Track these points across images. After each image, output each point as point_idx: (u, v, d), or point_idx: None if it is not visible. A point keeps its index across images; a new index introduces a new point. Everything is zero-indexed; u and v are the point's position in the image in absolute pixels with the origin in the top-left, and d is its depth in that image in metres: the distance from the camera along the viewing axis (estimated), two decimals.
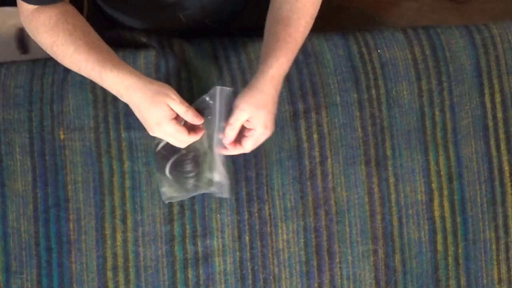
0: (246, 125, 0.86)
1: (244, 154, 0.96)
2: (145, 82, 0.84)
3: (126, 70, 0.85)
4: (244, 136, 0.87)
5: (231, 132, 0.86)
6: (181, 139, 0.87)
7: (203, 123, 0.88)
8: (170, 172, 0.93)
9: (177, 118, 0.85)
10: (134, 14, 1.04)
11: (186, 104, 0.85)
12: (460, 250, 1.00)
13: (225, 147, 0.88)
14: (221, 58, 1.01)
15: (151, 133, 0.86)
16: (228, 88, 0.89)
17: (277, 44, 0.87)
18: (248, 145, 0.87)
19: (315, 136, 0.99)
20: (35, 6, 0.87)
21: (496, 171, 1.02)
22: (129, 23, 1.07)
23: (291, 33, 0.88)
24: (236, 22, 1.09)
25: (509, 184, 1.02)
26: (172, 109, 0.84)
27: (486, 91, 1.03)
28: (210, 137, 0.90)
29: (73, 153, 0.96)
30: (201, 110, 0.88)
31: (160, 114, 0.83)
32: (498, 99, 1.03)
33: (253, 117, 0.85)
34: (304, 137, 0.99)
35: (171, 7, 1.00)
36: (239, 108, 0.85)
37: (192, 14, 1.02)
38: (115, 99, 0.98)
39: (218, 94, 0.88)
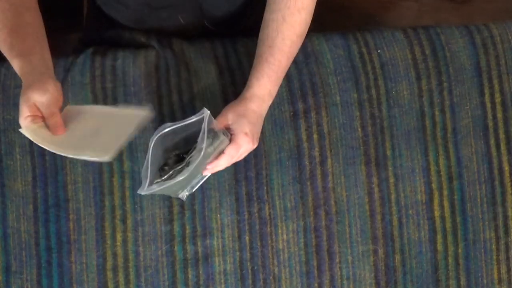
0: (232, 133, 0.88)
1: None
2: (38, 74, 0.82)
3: (28, 58, 0.83)
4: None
5: (217, 127, 0.87)
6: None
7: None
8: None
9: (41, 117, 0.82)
10: (133, 16, 1.04)
11: (53, 110, 0.82)
12: (460, 250, 1.00)
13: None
14: (221, 58, 1.01)
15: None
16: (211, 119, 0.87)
17: (259, 64, 0.90)
18: (228, 151, 0.87)
19: (315, 136, 0.99)
20: None
21: (496, 171, 1.02)
22: (128, 24, 1.07)
23: (274, 53, 0.89)
24: (235, 25, 1.09)
25: (509, 184, 1.02)
26: (36, 107, 0.81)
27: (486, 91, 1.03)
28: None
29: None
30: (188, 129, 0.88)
31: (22, 104, 0.80)
32: (498, 99, 1.03)
33: (234, 123, 0.87)
34: (304, 137, 0.99)
35: (170, 9, 1.00)
36: (221, 114, 0.88)
37: (191, 17, 1.02)
38: (115, 99, 0.98)
39: (206, 119, 0.85)
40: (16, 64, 0.84)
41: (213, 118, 0.86)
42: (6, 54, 0.85)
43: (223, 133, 0.87)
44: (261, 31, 0.92)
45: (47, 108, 0.81)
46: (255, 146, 0.90)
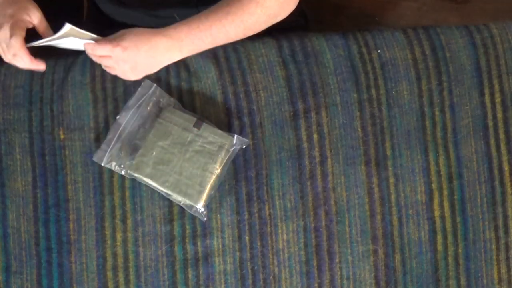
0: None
1: (244, 154, 0.97)
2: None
3: None
4: None
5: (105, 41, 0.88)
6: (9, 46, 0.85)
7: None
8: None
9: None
10: (129, 13, 1.04)
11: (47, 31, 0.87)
12: (460, 250, 1.00)
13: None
14: (221, 58, 1.01)
15: None
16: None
17: (192, 16, 0.89)
18: (104, 43, 0.87)
19: (315, 136, 0.99)
20: None
21: (496, 171, 1.02)
22: (124, 21, 1.07)
23: (210, 17, 0.88)
24: None
25: (509, 184, 1.02)
26: (27, 22, 0.85)
27: (486, 91, 1.03)
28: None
29: (73, 153, 0.97)
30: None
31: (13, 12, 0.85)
32: (498, 99, 1.03)
33: (125, 37, 0.87)
34: (304, 137, 0.99)
35: (166, 8, 1.01)
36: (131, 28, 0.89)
37: (187, 14, 1.02)
38: (115, 99, 0.98)
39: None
40: None
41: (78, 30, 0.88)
42: None
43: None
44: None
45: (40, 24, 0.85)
46: (133, 71, 0.89)
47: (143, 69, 0.91)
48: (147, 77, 0.98)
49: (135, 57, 0.89)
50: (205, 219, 0.94)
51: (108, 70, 0.93)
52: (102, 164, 0.94)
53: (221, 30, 0.89)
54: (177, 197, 0.94)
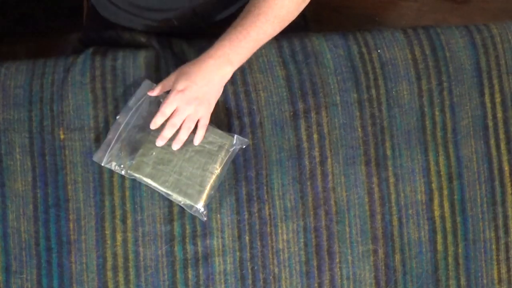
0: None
1: (244, 154, 0.97)
2: None
3: None
4: None
5: (160, 87, 0.92)
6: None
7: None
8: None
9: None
10: (125, 16, 1.04)
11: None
12: (460, 250, 1.00)
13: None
14: None
15: None
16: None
17: (227, 30, 0.90)
18: (161, 107, 0.90)
19: (315, 136, 0.99)
20: None
21: (496, 171, 1.02)
22: (121, 24, 1.07)
23: (244, 23, 0.89)
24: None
25: (509, 184, 1.02)
26: None
27: (486, 91, 1.03)
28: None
29: (73, 153, 0.96)
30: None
31: None
32: (498, 99, 1.03)
33: (175, 82, 0.90)
34: (304, 137, 0.99)
35: (161, 11, 1.00)
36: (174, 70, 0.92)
37: (186, 19, 1.02)
38: (115, 99, 0.98)
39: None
40: None
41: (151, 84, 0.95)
42: None
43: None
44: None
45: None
46: (200, 109, 0.90)
47: (208, 98, 0.91)
48: (147, 77, 0.98)
49: (195, 93, 0.89)
50: (205, 219, 0.94)
51: (189, 121, 0.91)
52: (102, 164, 0.94)
53: (260, 32, 0.90)
54: (177, 197, 0.94)
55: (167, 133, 0.91)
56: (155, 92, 0.92)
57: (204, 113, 0.91)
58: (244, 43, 0.89)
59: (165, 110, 0.90)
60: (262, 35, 0.91)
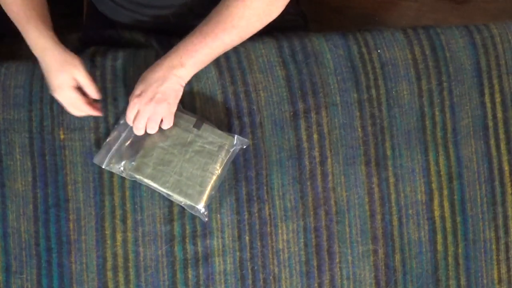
0: None
1: (244, 154, 0.97)
2: (60, 50, 0.92)
3: (48, 34, 0.92)
4: None
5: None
6: (78, 106, 0.94)
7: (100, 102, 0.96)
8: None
9: (80, 90, 0.94)
10: (121, 11, 1.04)
11: (90, 78, 0.93)
12: (460, 250, 1.00)
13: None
14: (221, 58, 1.01)
15: (54, 94, 0.94)
16: None
17: (186, 36, 0.93)
18: (127, 114, 0.93)
19: (315, 136, 0.99)
20: None
21: (496, 171, 1.02)
22: (118, 19, 1.07)
23: (203, 30, 0.92)
24: None
25: (509, 184, 1.02)
26: (76, 79, 0.92)
27: (486, 91, 1.03)
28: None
29: (73, 153, 0.96)
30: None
31: (63, 80, 0.92)
32: (498, 99, 1.03)
33: (135, 88, 0.94)
34: (304, 137, 0.99)
35: (157, 8, 1.01)
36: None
37: (182, 16, 1.02)
38: (115, 99, 0.98)
39: None
40: (36, 35, 0.92)
41: None
42: (21, 22, 0.93)
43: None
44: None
45: (86, 76, 0.93)
46: (159, 107, 0.92)
47: (166, 98, 0.93)
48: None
49: (151, 94, 0.92)
50: (206, 219, 0.94)
51: (150, 122, 0.94)
52: (103, 167, 0.94)
53: (216, 39, 0.92)
54: (177, 198, 0.94)
55: (137, 136, 0.95)
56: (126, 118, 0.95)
57: (165, 113, 0.93)
58: (198, 47, 0.91)
59: (129, 115, 0.93)
60: (219, 43, 0.92)
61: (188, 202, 0.93)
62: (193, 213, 0.94)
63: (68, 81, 0.92)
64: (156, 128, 0.94)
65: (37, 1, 0.95)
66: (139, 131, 0.94)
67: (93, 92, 0.94)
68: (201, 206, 0.93)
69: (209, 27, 0.91)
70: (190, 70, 0.93)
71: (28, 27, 0.92)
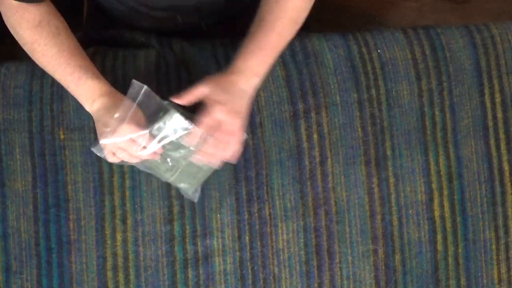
0: (206, 104, 0.85)
1: (244, 154, 0.97)
2: (117, 92, 0.88)
3: (102, 78, 0.89)
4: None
5: (188, 96, 0.85)
6: (133, 151, 0.85)
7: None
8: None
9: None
10: (131, 14, 1.04)
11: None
12: (460, 250, 1.00)
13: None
14: (221, 58, 1.01)
15: (103, 139, 0.84)
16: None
17: (247, 41, 0.89)
18: (201, 120, 0.84)
19: (315, 136, 0.99)
20: (20, 3, 0.87)
21: (496, 171, 1.02)
22: (126, 21, 1.07)
23: (263, 31, 0.89)
24: (234, 26, 1.08)
25: (509, 184, 1.02)
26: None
27: (486, 91, 1.03)
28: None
29: (73, 153, 0.97)
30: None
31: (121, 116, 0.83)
32: (498, 99, 1.03)
33: (210, 93, 0.85)
34: (304, 137, 0.99)
35: (167, 10, 1.00)
36: (202, 81, 0.85)
37: (190, 18, 1.02)
38: None
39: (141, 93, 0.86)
40: (95, 83, 0.87)
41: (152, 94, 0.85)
42: (74, 74, 0.87)
43: (179, 112, 0.85)
44: (256, 14, 0.91)
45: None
46: (239, 123, 0.86)
47: (244, 111, 0.87)
48: (147, 76, 0.98)
49: (234, 106, 0.85)
50: (196, 201, 0.92)
51: (227, 134, 0.86)
52: (103, 156, 0.89)
53: (279, 38, 0.90)
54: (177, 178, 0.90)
55: (211, 150, 0.86)
56: (183, 100, 0.86)
57: (242, 127, 0.88)
58: (267, 52, 0.89)
59: (208, 122, 0.84)
60: (282, 41, 0.90)
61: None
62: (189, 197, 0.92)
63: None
64: (230, 143, 0.87)
65: (76, 44, 0.90)
66: (217, 144, 0.86)
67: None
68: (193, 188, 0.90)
69: (268, 28, 0.88)
70: (262, 77, 0.90)
71: (85, 78, 0.87)
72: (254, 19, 0.91)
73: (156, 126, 0.85)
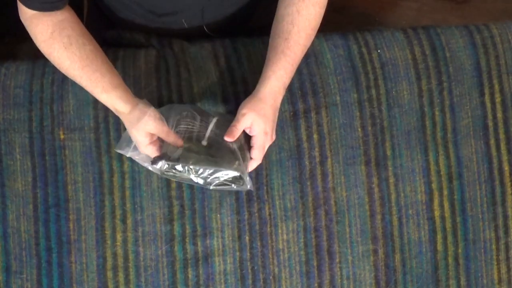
0: (248, 132, 0.90)
1: None
2: (131, 109, 0.87)
3: (114, 94, 0.88)
4: (250, 147, 0.92)
5: (236, 131, 0.88)
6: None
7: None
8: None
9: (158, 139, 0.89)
10: (141, 20, 1.04)
11: (166, 129, 0.87)
12: (460, 250, 1.00)
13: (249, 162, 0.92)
14: (221, 58, 1.01)
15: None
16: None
17: (276, 57, 0.90)
18: (255, 154, 0.91)
19: (315, 136, 0.99)
20: (34, 12, 0.87)
21: (496, 171, 1.02)
22: (135, 27, 1.06)
23: (290, 46, 0.90)
24: (236, 28, 1.08)
25: (509, 184, 1.02)
26: (151, 134, 0.87)
27: (486, 91, 1.03)
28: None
29: (73, 153, 0.97)
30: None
31: (139, 139, 0.87)
32: (498, 99, 1.03)
33: (254, 124, 0.88)
34: (304, 137, 0.99)
35: (174, 15, 1.00)
36: (242, 114, 0.88)
37: (195, 21, 1.02)
38: None
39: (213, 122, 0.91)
40: (104, 99, 0.88)
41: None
42: (87, 87, 0.88)
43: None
44: (274, 26, 0.92)
45: (161, 131, 0.87)
46: (273, 139, 0.92)
47: (276, 119, 0.93)
48: (148, 76, 0.98)
49: (273, 130, 0.92)
50: (250, 188, 0.91)
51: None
52: (128, 155, 0.91)
53: (303, 48, 0.92)
54: (222, 171, 0.89)
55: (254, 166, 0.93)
56: (235, 138, 0.88)
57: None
58: (294, 66, 0.91)
59: (260, 155, 0.91)
60: (305, 51, 0.93)
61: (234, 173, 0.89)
62: (239, 188, 0.91)
63: (143, 140, 0.87)
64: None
65: (91, 50, 0.90)
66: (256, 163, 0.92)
67: (174, 141, 0.88)
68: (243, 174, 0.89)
69: (293, 40, 0.90)
70: (287, 86, 0.93)
71: (96, 93, 0.89)
72: (276, 29, 0.91)
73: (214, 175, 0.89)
